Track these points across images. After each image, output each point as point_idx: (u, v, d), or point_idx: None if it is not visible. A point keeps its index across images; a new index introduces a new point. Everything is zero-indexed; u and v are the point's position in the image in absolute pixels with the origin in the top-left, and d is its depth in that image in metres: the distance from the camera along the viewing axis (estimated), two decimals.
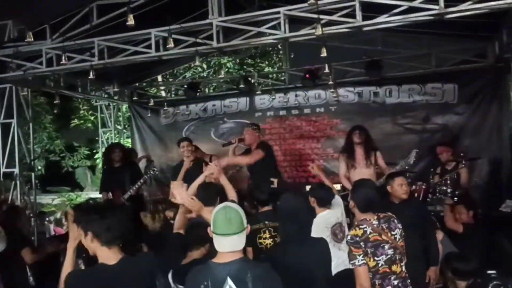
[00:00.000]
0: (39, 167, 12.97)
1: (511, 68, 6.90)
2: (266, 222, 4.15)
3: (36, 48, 6.19)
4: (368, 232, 3.01)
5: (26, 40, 5.77)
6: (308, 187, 5.62)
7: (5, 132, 7.21)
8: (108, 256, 2.33)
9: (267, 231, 4.15)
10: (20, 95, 7.24)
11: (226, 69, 12.45)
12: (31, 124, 7.74)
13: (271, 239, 4.13)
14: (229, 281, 2.29)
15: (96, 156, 13.56)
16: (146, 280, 2.42)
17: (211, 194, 3.90)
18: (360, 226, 3.06)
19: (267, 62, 14.15)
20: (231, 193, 3.90)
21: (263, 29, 5.45)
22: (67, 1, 6.06)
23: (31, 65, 6.35)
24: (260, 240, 4.16)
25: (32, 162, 7.58)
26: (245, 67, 13.34)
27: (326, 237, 3.92)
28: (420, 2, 4.80)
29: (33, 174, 7.77)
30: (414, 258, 3.84)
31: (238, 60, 12.97)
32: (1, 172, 7.21)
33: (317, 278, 3.00)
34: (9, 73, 6.45)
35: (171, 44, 5.38)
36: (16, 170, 7.14)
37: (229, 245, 2.37)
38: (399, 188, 4.14)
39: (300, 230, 3.11)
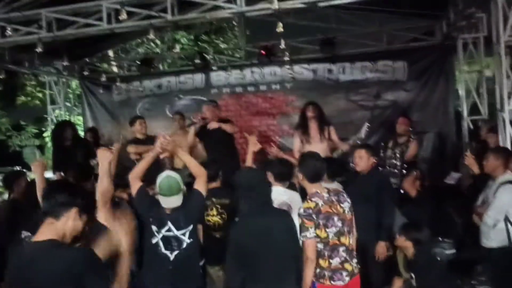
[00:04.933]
0: None
1: (457, 47, 7.21)
2: (213, 199, 4.19)
3: None
4: (320, 204, 3.09)
5: None
6: None
7: None
8: None
9: (214, 208, 4.20)
10: None
11: (181, 46, 12.25)
12: None
13: (218, 216, 4.19)
14: (169, 223, 3.42)
15: (44, 135, 13.07)
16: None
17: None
18: (312, 199, 3.13)
19: (222, 39, 14.01)
20: (193, 167, 3.63)
21: (219, 2, 5.39)
22: None
23: None
24: (208, 218, 4.21)
25: None
26: (200, 43, 13.15)
27: None
28: None
29: None
30: (367, 229, 4.02)
31: (193, 36, 12.77)
32: None
33: (284, 252, 3.00)
34: None
35: (123, 16, 5.24)
36: None
37: (170, 202, 3.40)
38: (355, 160, 4.42)
39: (263, 203, 3.12)
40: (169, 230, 3.43)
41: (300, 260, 3.05)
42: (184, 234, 3.43)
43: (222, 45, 13.33)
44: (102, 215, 3.05)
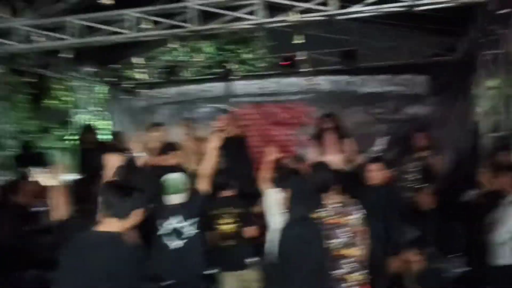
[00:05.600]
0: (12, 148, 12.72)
1: (478, 63, 7.13)
2: (226, 208, 4.26)
3: (9, 24, 6.09)
4: (324, 216, 3.13)
5: None
6: None
7: None
8: None
9: (226, 217, 4.26)
10: None
11: (207, 54, 12.46)
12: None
13: (231, 225, 4.24)
14: (174, 218, 3.85)
15: (70, 138, 13.40)
16: None
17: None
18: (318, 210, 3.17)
19: (249, 49, 14.16)
20: (208, 162, 3.95)
21: (239, 14, 5.51)
22: None
23: (2, 41, 6.21)
24: (220, 226, 4.27)
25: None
26: (224, 52, 13.35)
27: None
28: None
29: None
30: (376, 243, 4.01)
31: (217, 46, 12.97)
32: None
33: (314, 265, 2.95)
34: None
35: (147, 25, 5.40)
36: None
37: (174, 199, 3.88)
38: (367, 174, 4.40)
39: (306, 212, 3.07)
40: (171, 223, 3.86)
41: (326, 275, 3.04)
42: (186, 227, 3.84)
43: (245, 55, 13.50)
44: None
